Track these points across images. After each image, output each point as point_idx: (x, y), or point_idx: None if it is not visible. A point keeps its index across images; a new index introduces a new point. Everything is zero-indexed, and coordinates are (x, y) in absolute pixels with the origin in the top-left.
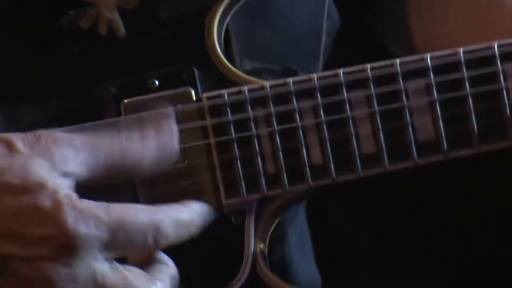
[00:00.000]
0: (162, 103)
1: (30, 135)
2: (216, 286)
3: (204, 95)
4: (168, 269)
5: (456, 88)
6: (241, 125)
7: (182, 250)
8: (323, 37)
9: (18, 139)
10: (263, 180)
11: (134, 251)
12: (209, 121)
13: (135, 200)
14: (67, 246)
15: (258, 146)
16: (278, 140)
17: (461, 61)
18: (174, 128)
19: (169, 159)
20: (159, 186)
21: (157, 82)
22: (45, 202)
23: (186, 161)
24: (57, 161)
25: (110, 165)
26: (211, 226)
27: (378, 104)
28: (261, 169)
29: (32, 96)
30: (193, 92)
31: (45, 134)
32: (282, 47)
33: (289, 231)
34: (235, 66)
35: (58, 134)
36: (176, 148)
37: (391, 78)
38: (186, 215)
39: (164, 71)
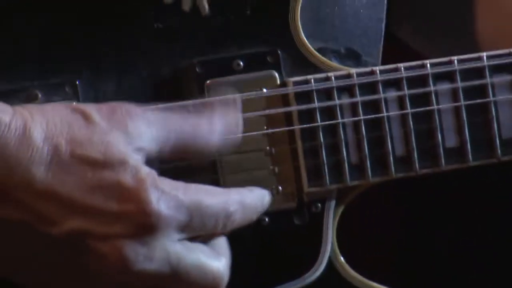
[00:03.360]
0: (246, 86)
1: (105, 106)
2: (292, 276)
3: (291, 79)
4: (225, 243)
5: None
6: (326, 112)
7: (262, 236)
8: (384, 22)
9: (93, 109)
10: (347, 169)
11: (205, 233)
12: (294, 107)
13: (216, 185)
14: (147, 225)
15: (344, 134)
16: (363, 129)
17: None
18: (239, 115)
19: (231, 145)
20: (242, 173)
21: (241, 63)
22: (127, 179)
23: (269, 147)
24: (133, 135)
25: (179, 144)
26: (290, 215)
27: (464, 98)
28: (345, 158)
29: (114, 68)
30: (277, 75)
31: (120, 106)
32: (345, 28)
33: None
34: None
35: (132, 107)
36: (239, 134)
37: (477, 72)
38: (252, 201)
39: (249, 52)
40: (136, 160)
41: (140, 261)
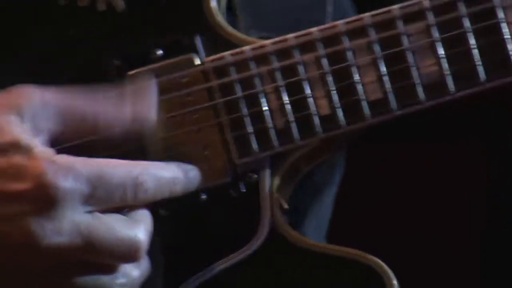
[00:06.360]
0: (166, 72)
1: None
2: (235, 248)
3: (207, 58)
4: (146, 212)
5: (455, 26)
6: (246, 83)
7: (201, 212)
8: (328, 9)
9: None
10: (273, 136)
11: (115, 204)
12: (214, 82)
13: None
14: (48, 199)
15: (266, 102)
16: (284, 94)
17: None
18: (153, 99)
19: (143, 129)
20: (171, 152)
21: (160, 52)
22: (21, 159)
23: (196, 126)
24: (26, 116)
25: (80, 124)
26: (226, 188)
27: (380, 50)
28: (270, 124)
29: (37, 73)
30: (196, 58)
31: (16, 90)
32: (289, 17)
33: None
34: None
35: (28, 88)
36: (152, 118)
37: (390, 23)
38: (167, 173)
39: (166, 40)
40: (28, 139)
41: (48, 235)
